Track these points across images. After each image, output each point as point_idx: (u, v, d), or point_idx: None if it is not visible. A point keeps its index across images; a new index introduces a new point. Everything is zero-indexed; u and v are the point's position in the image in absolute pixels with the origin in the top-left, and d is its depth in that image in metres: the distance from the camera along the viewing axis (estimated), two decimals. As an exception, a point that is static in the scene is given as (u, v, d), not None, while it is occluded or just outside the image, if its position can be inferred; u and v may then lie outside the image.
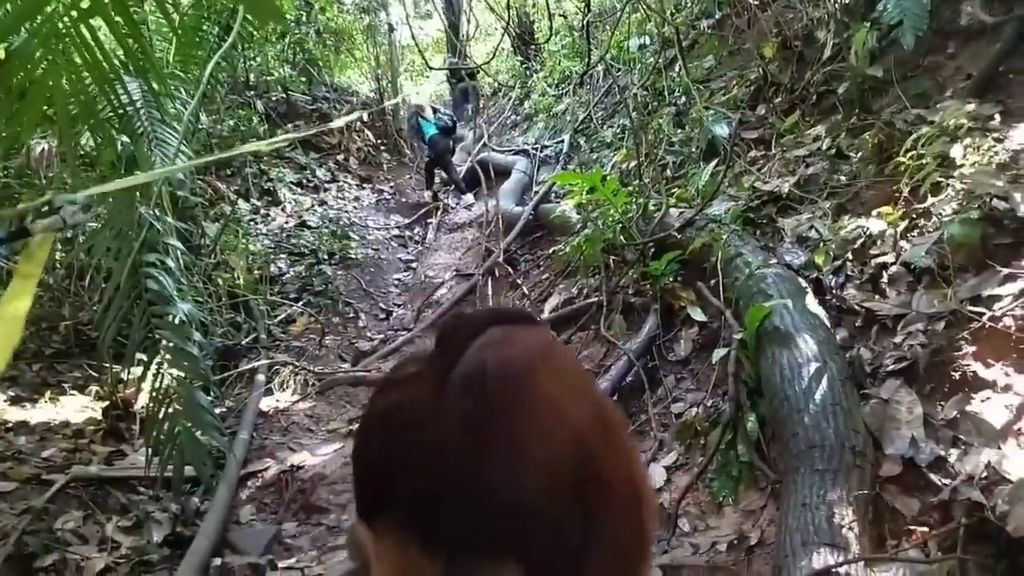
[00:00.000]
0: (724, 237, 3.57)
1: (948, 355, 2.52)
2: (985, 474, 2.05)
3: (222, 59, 7.27)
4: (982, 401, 2.32)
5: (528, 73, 13.17)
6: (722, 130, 4.54)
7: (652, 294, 3.88)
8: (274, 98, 11.32)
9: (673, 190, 4.59)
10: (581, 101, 9.67)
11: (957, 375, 2.44)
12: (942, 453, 2.24)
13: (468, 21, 13.50)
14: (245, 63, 11.44)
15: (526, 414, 0.49)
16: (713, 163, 4.40)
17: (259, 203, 9.64)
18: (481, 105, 12.36)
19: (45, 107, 3.84)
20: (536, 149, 9.12)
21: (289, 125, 11.53)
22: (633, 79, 7.80)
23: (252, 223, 8.94)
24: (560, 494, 0.48)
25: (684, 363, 3.47)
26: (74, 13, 3.29)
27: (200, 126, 10.74)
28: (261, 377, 4.87)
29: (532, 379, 0.50)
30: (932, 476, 2.19)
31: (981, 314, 2.51)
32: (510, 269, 5.87)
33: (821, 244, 3.38)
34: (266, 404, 4.66)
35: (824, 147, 4.20)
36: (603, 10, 10.57)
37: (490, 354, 0.51)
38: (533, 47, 14.06)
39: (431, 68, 12.51)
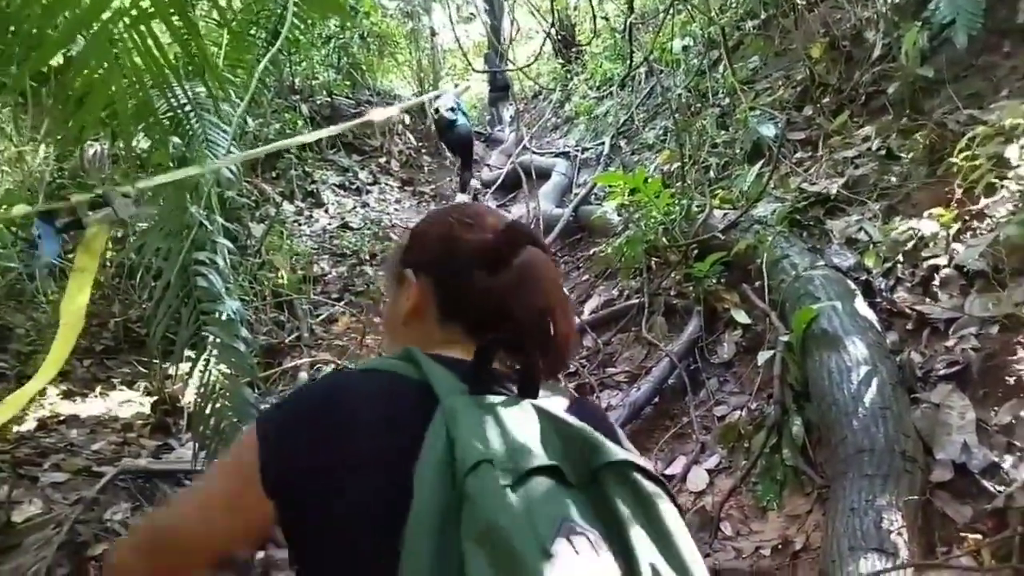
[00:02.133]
0: (770, 239, 3.52)
1: (1002, 360, 2.45)
2: (1043, 482, 1.99)
3: (269, 63, 7.42)
4: (1039, 407, 2.25)
5: (569, 76, 13.15)
6: (768, 130, 4.48)
7: (695, 296, 3.84)
8: (318, 102, 11.47)
9: (717, 192, 4.55)
10: (623, 103, 9.61)
11: (1012, 380, 2.37)
12: (996, 459, 2.17)
13: (512, 23, 13.51)
14: (291, 67, 11.63)
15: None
16: (759, 164, 4.34)
17: (303, 205, 9.80)
18: (510, 114, 12.25)
19: (102, 111, 3.98)
20: (576, 151, 9.09)
21: (332, 128, 11.67)
22: (676, 80, 7.74)
23: (296, 224, 9.10)
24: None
25: (727, 366, 3.43)
26: (133, 12, 3.42)
27: (247, 129, 10.99)
28: (303, 375, 4.94)
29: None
30: (985, 483, 2.13)
31: (1038, 319, 2.44)
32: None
33: (871, 246, 3.32)
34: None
35: (874, 148, 4.12)
36: (646, 12, 10.52)
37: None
38: (575, 50, 14.03)
39: (475, 71, 12.54)
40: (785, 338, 2.88)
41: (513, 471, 0.70)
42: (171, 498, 0.88)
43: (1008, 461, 2.13)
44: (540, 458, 0.72)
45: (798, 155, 4.85)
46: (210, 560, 0.87)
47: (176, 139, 4.40)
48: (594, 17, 9.96)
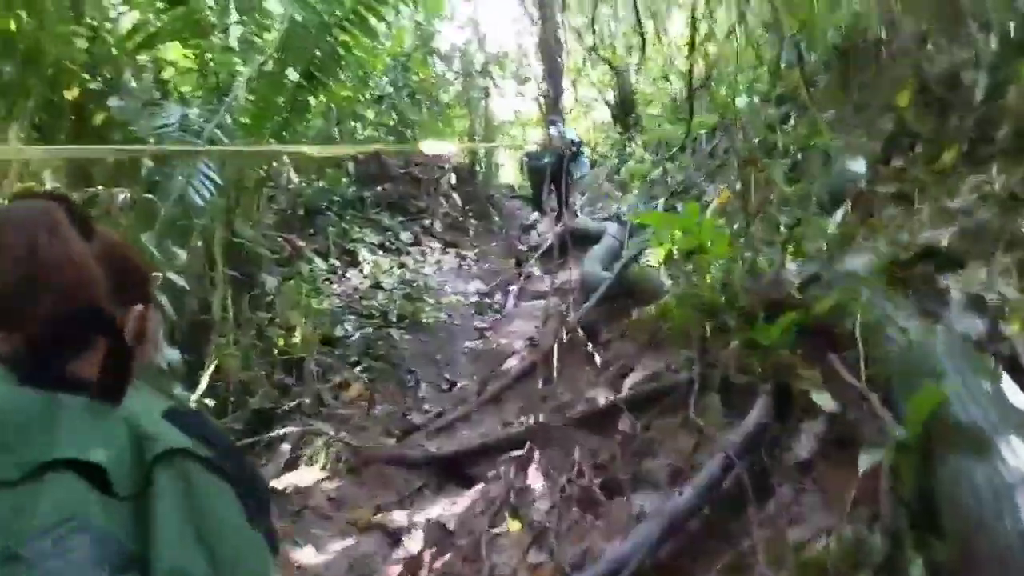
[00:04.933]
0: (865, 296, 2.64)
1: None
2: None
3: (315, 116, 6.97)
4: None
5: (627, 143, 12.63)
6: (857, 166, 3.64)
7: (761, 371, 2.94)
8: (365, 159, 11.10)
9: (789, 244, 3.69)
10: (680, 165, 8.95)
11: None
12: None
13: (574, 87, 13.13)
14: (339, 124, 11.35)
15: None
16: (843, 208, 3.48)
17: (337, 263, 9.28)
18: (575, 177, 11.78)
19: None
20: (629, 215, 8.40)
21: (378, 187, 11.30)
22: (740, 136, 7.00)
23: (327, 282, 8.54)
24: None
25: (806, 468, 2.49)
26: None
27: (290, 186, 10.68)
28: (285, 447, 4.16)
29: None
30: None
31: None
32: (583, 336, 5.03)
33: (1006, 310, 2.41)
34: (287, 480, 3.93)
35: (995, 189, 3.23)
36: (708, 71, 9.90)
37: None
38: (633, 116, 13.54)
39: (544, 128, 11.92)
40: (896, 434, 1.97)
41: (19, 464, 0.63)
42: None
43: None
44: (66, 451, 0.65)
45: (888, 211, 4.00)
46: None
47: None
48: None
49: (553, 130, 10.45)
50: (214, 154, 3.91)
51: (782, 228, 4.42)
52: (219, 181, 3.83)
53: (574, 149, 10.20)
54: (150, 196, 3.55)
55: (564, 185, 10.17)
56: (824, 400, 2.57)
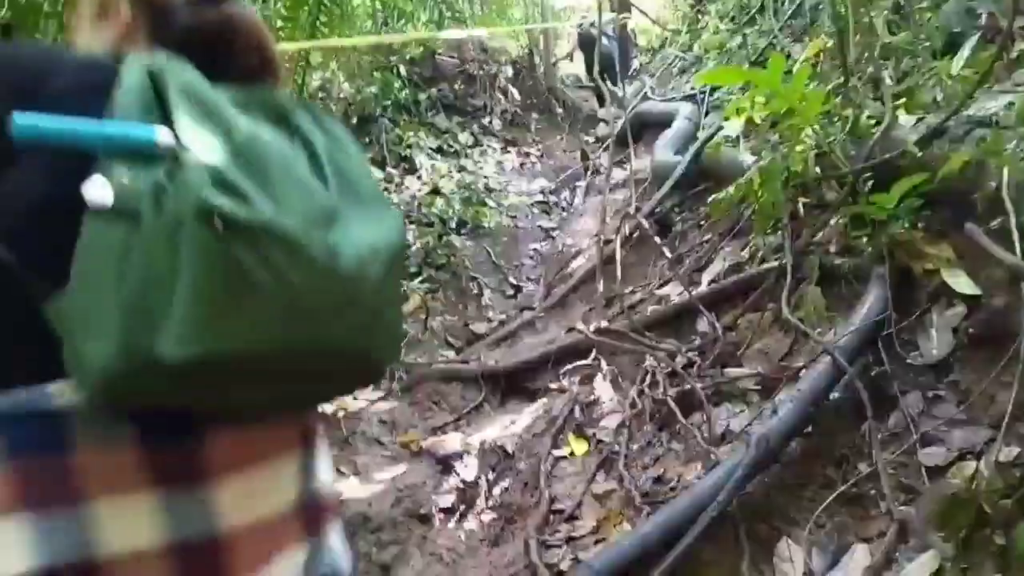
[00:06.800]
0: (1011, 145, 2.01)
1: None
2: None
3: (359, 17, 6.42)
4: None
5: (700, 15, 11.52)
6: (991, -17, 2.90)
7: (873, 252, 2.38)
8: (407, 57, 10.48)
9: (900, 97, 3.01)
10: (762, 30, 7.99)
11: None
12: None
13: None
14: (387, 25, 10.74)
15: None
16: (972, 40, 2.76)
17: (395, 171, 8.90)
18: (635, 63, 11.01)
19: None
20: (703, 92, 7.57)
21: (433, 89, 10.72)
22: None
23: (384, 192, 8.19)
24: None
25: (940, 370, 1.96)
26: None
27: (341, 95, 10.22)
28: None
29: None
30: None
31: None
32: (646, 228, 4.49)
33: None
34: (337, 403, 3.65)
35: None
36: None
37: None
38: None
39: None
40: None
41: None
42: None
43: None
44: None
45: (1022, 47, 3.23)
46: None
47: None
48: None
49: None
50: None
51: (889, 80, 3.71)
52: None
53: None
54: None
55: (624, 72, 9.52)
56: (962, 282, 2.01)
